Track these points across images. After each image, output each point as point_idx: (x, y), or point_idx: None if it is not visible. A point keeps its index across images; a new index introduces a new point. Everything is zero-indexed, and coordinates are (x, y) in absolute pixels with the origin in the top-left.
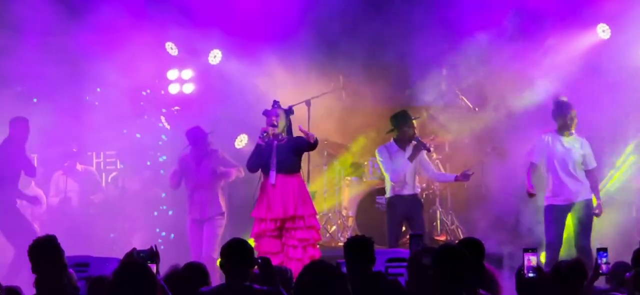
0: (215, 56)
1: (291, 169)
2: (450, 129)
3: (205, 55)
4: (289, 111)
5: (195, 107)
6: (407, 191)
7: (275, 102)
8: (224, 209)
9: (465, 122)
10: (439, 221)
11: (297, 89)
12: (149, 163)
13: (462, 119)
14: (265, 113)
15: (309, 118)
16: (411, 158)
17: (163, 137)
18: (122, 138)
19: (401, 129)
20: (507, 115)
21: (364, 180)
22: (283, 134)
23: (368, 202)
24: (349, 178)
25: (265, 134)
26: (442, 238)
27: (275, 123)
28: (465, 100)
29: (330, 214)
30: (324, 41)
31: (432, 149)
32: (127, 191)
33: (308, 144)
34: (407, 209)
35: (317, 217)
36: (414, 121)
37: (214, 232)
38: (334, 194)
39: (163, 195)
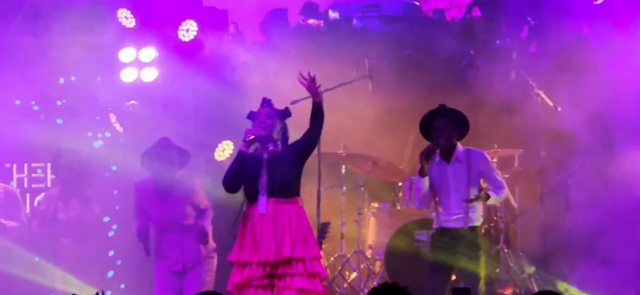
0: (188, 29)
1: (288, 191)
2: (521, 136)
3: (174, 28)
4: (284, 113)
5: (159, 101)
6: (456, 222)
7: (266, 101)
8: (214, 244)
9: (543, 126)
10: (503, 267)
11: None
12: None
13: (537, 122)
14: (251, 116)
15: None
16: (420, 171)
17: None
18: (55, 146)
19: (427, 132)
20: (603, 118)
21: (398, 207)
22: (277, 143)
23: (403, 239)
24: (376, 205)
25: (251, 137)
26: (508, 291)
27: (266, 127)
28: (543, 96)
29: (349, 256)
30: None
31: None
32: (59, 221)
33: (313, 128)
34: (454, 251)
35: (323, 260)
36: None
37: (202, 280)
38: (355, 228)
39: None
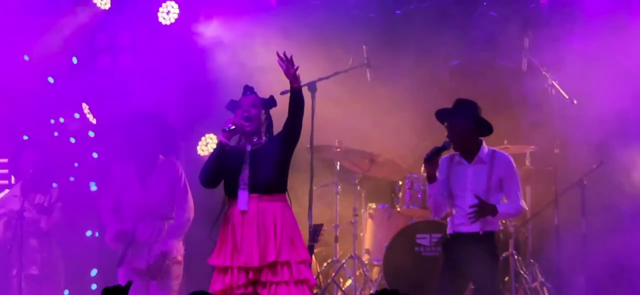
0: (168, 12)
1: (272, 187)
2: (534, 133)
3: (152, 10)
4: (269, 102)
5: (136, 89)
6: (471, 226)
7: (248, 88)
8: (181, 250)
9: (558, 122)
10: (513, 275)
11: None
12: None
13: (552, 117)
14: (232, 106)
15: (313, 110)
16: (428, 177)
17: (90, 134)
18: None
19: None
20: (624, 113)
21: (398, 209)
22: (261, 135)
23: (403, 243)
24: (374, 206)
25: (232, 127)
26: None
27: (250, 117)
28: (558, 87)
29: (344, 261)
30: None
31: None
32: (26, 219)
33: (293, 118)
34: (467, 257)
35: (315, 266)
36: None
37: (166, 288)
38: (351, 230)
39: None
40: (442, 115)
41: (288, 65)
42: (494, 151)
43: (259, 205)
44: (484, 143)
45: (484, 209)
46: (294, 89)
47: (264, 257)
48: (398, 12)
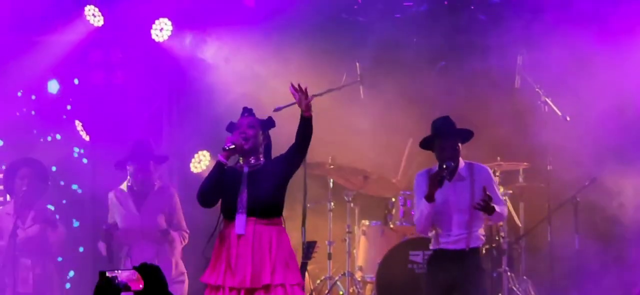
0: (161, 29)
1: (269, 210)
2: (526, 150)
3: (146, 27)
4: (267, 124)
5: (130, 106)
6: (457, 244)
7: (247, 110)
8: (182, 268)
9: (551, 138)
10: (506, 292)
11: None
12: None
13: (545, 133)
14: (231, 127)
15: None
16: (429, 196)
17: (79, 150)
18: (12, 152)
19: (434, 146)
20: (618, 130)
21: (391, 226)
22: (259, 157)
23: (397, 260)
24: (367, 223)
25: (232, 146)
26: None
27: (248, 138)
28: (551, 104)
29: (337, 278)
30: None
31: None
32: (18, 237)
33: (300, 144)
34: (455, 273)
35: (309, 283)
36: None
37: None
38: (344, 248)
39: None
40: (435, 137)
41: (301, 96)
42: (471, 164)
43: (255, 227)
44: (460, 158)
45: (487, 205)
46: (304, 118)
47: (257, 279)
48: (398, 15)
